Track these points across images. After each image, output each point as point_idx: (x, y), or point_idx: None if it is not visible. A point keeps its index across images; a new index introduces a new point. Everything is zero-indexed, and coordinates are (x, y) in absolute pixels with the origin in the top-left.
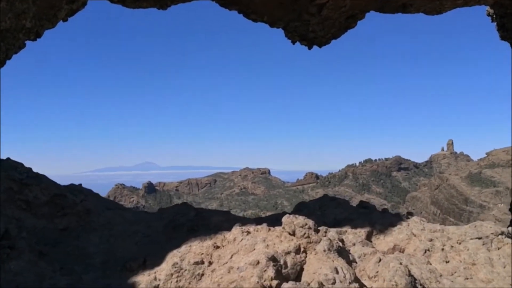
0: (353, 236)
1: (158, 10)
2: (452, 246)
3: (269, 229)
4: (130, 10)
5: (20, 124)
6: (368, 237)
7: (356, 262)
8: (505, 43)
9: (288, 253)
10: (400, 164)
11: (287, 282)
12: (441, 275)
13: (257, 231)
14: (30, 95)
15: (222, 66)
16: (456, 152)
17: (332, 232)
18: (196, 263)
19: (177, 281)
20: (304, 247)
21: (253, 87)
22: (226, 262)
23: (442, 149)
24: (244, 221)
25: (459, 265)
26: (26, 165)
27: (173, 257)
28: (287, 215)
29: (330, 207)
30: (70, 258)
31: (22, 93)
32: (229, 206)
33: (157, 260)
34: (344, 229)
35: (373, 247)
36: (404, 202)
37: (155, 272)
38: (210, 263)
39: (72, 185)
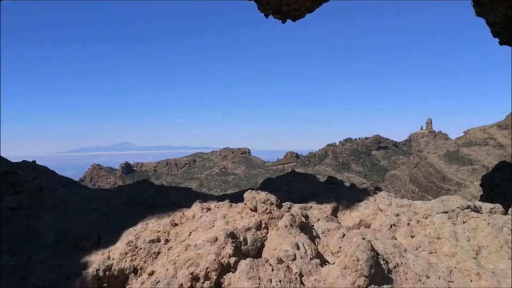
0: (318, 211)
1: None
2: (418, 221)
3: (231, 206)
4: None
5: None
6: (334, 212)
7: (320, 238)
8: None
9: (249, 229)
10: (379, 143)
11: (246, 259)
12: (405, 250)
13: (218, 207)
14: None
15: (200, 45)
16: (434, 131)
17: (296, 208)
18: (152, 241)
19: (131, 260)
20: (265, 223)
21: (233, 66)
22: (184, 240)
23: (421, 128)
24: (206, 197)
25: (424, 239)
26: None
27: (128, 235)
28: (249, 190)
29: (297, 183)
30: (21, 238)
31: None
32: (209, 186)
33: (112, 238)
34: (309, 204)
35: (338, 222)
36: (383, 181)
37: (109, 251)
38: (167, 241)
39: (24, 162)
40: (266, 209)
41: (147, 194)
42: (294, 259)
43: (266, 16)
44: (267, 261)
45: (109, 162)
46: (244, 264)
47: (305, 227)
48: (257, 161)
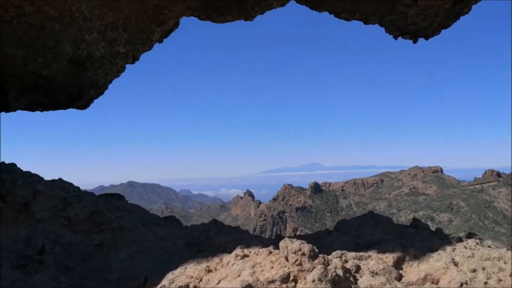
0: (376, 262)
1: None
2: (500, 280)
3: (270, 253)
4: None
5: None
6: (398, 263)
7: None
8: None
9: (272, 281)
10: None
11: None
12: None
13: (257, 254)
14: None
15: (376, 64)
16: None
17: (336, 259)
18: (181, 287)
19: None
20: (295, 275)
21: (418, 80)
22: None
23: None
24: (256, 241)
25: None
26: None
27: (166, 279)
28: (285, 238)
29: (368, 226)
30: (93, 274)
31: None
32: (398, 206)
33: (158, 280)
34: (369, 253)
35: (400, 275)
36: None
37: None
38: None
39: (115, 202)
40: (296, 260)
41: (207, 235)
42: None
43: (395, 37)
44: None
45: (299, 182)
46: None
47: (342, 282)
48: (451, 180)
